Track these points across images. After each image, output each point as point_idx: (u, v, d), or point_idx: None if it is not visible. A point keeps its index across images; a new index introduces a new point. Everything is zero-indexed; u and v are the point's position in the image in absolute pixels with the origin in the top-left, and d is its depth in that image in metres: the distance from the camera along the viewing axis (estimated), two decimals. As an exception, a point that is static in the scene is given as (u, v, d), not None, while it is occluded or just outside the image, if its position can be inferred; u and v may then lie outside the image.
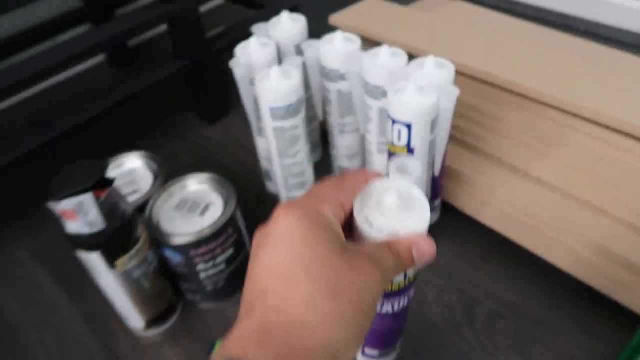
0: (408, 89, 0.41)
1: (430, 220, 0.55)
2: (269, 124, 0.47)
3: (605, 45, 0.64)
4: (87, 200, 0.37)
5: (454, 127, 0.55)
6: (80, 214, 0.38)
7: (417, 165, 0.28)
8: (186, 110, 0.77)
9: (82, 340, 0.49)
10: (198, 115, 0.75)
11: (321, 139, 0.65)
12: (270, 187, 0.62)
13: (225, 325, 0.49)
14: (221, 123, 0.75)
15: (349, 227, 0.27)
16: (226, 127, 0.74)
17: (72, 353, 0.48)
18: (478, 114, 0.56)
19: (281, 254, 0.23)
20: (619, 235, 0.44)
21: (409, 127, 0.42)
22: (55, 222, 0.39)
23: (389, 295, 0.32)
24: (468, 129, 0.55)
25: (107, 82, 0.87)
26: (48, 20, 0.85)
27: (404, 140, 0.43)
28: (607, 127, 0.49)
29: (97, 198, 0.38)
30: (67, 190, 0.37)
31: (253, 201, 0.61)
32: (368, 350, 0.42)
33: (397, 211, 0.27)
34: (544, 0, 0.83)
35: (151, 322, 0.48)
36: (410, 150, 0.43)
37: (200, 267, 0.46)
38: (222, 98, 0.74)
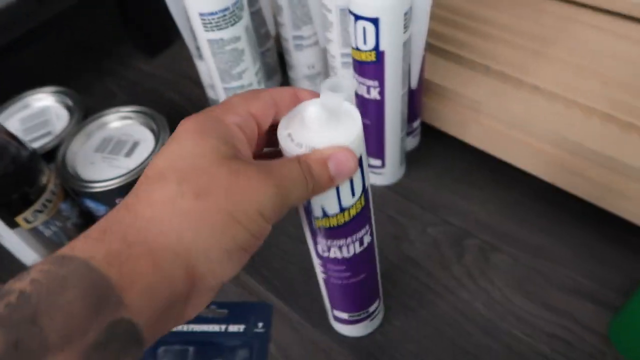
0: (372, -25, 0.32)
1: (410, 145, 0.47)
2: (203, 36, 0.38)
3: None
4: (-44, 140, 0.28)
5: (432, 34, 0.46)
6: (-50, 160, 0.29)
7: (350, 84, 0.25)
8: (122, 44, 0.66)
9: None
10: (135, 47, 0.64)
11: (279, 63, 0.55)
12: (222, 121, 0.53)
13: (173, 284, 0.41)
14: (163, 55, 0.64)
15: (273, 144, 0.25)
16: (169, 59, 0.64)
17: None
18: (461, 15, 0.47)
19: (162, 158, 0.21)
20: (626, 139, 0.37)
21: (375, 23, 0.33)
22: None
23: (329, 233, 0.28)
24: (448, 35, 0.46)
25: (20, 13, 0.75)
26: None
27: (371, 43, 0.34)
28: (616, 14, 0.40)
29: (-30, 137, 0.29)
30: None
31: (202, 139, 0.52)
32: (337, 313, 0.35)
33: (322, 126, 0.24)
34: None
35: (82, 288, 0.40)
36: (379, 55, 0.34)
37: (133, 218, 0.38)
38: (162, 25, 0.63)
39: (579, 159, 0.39)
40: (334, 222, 0.27)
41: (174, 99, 0.58)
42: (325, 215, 0.26)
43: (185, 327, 0.38)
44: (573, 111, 0.40)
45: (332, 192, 0.25)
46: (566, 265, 0.38)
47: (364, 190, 0.27)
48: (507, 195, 0.43)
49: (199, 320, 0.38)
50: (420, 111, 0.45)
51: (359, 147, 0.24)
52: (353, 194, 0.26)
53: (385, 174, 0.45)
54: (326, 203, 0.26)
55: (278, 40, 0.50)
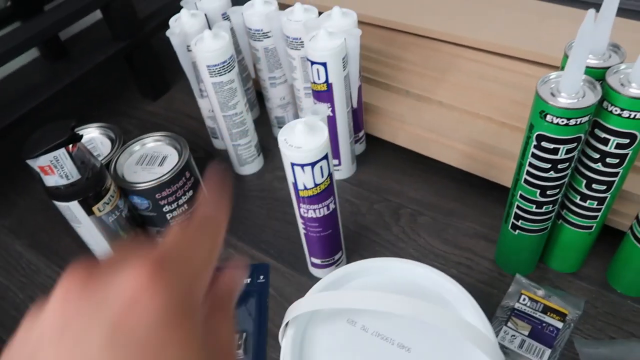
0: (320, 35, 0.50)
1: (358, 150, 0.65)
2: (208, 80, 0.55)
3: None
4: (62, 154, 0.44)
5: (367, 69, 0.65)
6: (56, 168, 0.44)
7: (324, 108, 0.42)
8: (129, 91, 0.82)
9: (69, 290, 0.55)
10: (141, 94, 0.81)
11: (257, 99, 0.73)
12: (217, 144, 0.69)
13: (195, 258, 0.56)
14: (163, 98, 0.81)
15: None
16: (168, 101, 0.80)
17: (62, 301, 0.54)
18: (385, 56, 0.66)
19: None
20: (499, 132, 0.56)
21: (325, 65, 0.51)
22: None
23: (307, 200, 0.44)
24: (379, 70, 0.65)
25: (44, 76, 0.90)
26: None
27: (323, 78, 0.52)
28: (486, 51, 0.60)
29: (70, 152, 0.44)
30: (42, 147, 0.43)
31: (202, 157, 0.69)
32: (313, 259, 0.51)
33: (305, 134, 0.40)
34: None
35: (129, 264, 0.55)
36: (328, 85, 0.52)
37: (167, 208, 0.54)
38: (161, 75, 0.80)
39: (472, 148, 0.57)
40: (310, 192, 0.44)
41: (176, 130, 0.75)
42: (305, 188, 0.43)
43: (207, 284, 0.53)
44: (465, 117, 0.59)
45: (309, 174, 0.42)
46: (469, 220, 0.56)
47: (329, 174, 0.44)
48: (428, 178, 0.61)
49: (217, 278, 0.54)
50: (363, 125, 0.63)
51: (326, 148, 0.41)
52: (322, 176, 0.43)
53: (342, 170, 0.62)
54: (306, 180, 0.42)
55: (256, 81, 0.67)
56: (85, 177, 0.46)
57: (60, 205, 0.48)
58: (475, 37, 0.60)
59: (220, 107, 0.57)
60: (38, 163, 0.44)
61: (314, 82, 0.53)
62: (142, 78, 0.78)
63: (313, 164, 0.41)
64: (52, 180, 0.45)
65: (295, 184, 0.43)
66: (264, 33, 0.58)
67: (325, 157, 0.42)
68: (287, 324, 0.37)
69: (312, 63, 0.51)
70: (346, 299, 0.34)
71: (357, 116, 0.61)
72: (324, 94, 0.53)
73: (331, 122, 0.56)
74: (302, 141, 0.41)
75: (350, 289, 0.41)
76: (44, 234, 0.62)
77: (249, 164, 0.64)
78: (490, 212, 0.56)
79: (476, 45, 0.61)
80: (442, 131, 0.58)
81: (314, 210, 0.45)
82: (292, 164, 0.41)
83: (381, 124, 0.63)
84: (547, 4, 0.66)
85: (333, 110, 0.55)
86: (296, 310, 0.35)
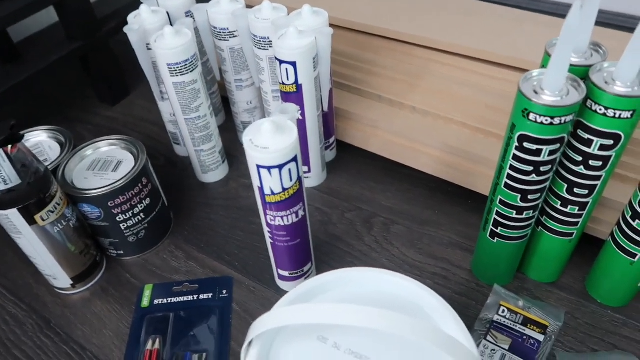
0: (290, 33, 0.48)
1: (329, 157, 0.62)
2: (169, 80, 0.51)
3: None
4: (-1, 155, 0.39)
5: (339, 74, 0.62)
6: (-7, 171, 0.40)
7: (293, 107, 0.39)
8: (86, 96, 0.77)
9: (8, 309, 0.50)
10: (98, 98, 0.76)
11: (223, 104, 0.69)
12: (179, 150, 0.65)
13: (151, 271, 0.52)
14: (122, 104, 0.76)
15: None
16: (128, 107, 0.76)
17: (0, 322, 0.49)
18: (357, 61, 0.63)
19: None
20: (474, 138, 0.54)
21: (294, 65, 0.48)
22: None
23: (274, 206, 0.41)
24: (351, 75, 0.63)
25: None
26: None
27: (292, 79, 0.49)
28: (459, 55, 0.58)
29: (8, 154, 0.40)
30: (-24, 148, 0.39)
31: (164, 165, 0.64)
32: (280, 272, 0.48)
33: (271, 134, 0.37)
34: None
35: (77, 279, 0.50)
36: (298, 86, 0.49)
37: (120, 217, 0.49)
38: (120, 79, 0.76)
39: (446, 154, 0.55)
40: (278, 198, 0.40)
41: (135, 136, 0.70)
42: (272, 193, 0.40)
43: (165, 300, 0.49)
44: (438, 122, 0.57)
45: (277, 177, 0.38)
46: (444, 229, 0.54)
47: (299, 178, 0.40)
48: (401, 185, 0.59)
49: (175, 294, 0.49)
50: (334, 131, 0.60)
51: (295, 149, 0.38)
52: (291, 180, 0.40)
53: (312, 177, 0.59)
54: (273, 185, 0.39)
55: (222, 85, 0.64)
56: (26, 182, 0.42)
57: (-2, 213, 0.43)
58: (449, 41, 0.59)
59: (182, 109, 0.54)
60: (-29, 165, 0.39)
61: (283, 83, 0.50)
62: (99, 81, 0.73)
63: (281, 167, 0.38)
64: (-13, 185, 0.40)
65: (261, 189, 0.40)
66: (229, 32, 0.55)
67: (295, 159, 0.38)
68: (250, 343, 0.33)
69: (281, 62, 0.48)
70: (316, 313, 0.31)
71: (328, 122, 0.58)
72: (293, 96, 0.50)
73: (301, 126, 0.53)
74: (269, 142, 0.37)
75: (321, 302, 0.37)
76: (-16, 248, 0.56)
77: (213, 172, 0.60)
78: (466, 221, 0.54)
79: (450, 49, 0.59)
80: (415, 137, 0.56)
81: (282, 217, 0.42)
82: (258, 166, 0.38)
83: (353, 130, 0.60)
84: (521, 12, 0.66)
85: (303, 114, 0.52)
86: (261, 326, 0.32)
